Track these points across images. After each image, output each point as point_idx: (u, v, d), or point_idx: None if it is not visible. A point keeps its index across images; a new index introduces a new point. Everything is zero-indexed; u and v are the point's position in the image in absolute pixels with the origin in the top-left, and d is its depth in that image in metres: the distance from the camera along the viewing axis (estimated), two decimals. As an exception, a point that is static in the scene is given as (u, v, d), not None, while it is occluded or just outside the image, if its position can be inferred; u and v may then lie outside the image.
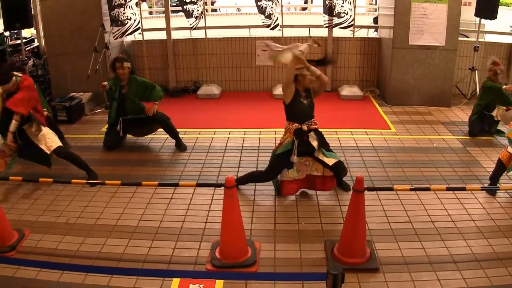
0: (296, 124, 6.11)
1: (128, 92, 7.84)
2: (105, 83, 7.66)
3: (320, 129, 6.29)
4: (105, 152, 8.03)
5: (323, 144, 6.28)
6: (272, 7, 10.55)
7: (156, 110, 7.92)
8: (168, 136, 8.22)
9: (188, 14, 10.68)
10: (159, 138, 8.39)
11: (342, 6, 10.46)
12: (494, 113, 8.25)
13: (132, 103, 7.89)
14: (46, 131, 6.78)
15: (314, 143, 6.17)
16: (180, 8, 11.00)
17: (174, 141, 8.17)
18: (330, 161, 6.14)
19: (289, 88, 6.04)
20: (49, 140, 6.73)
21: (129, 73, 7.86)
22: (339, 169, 6.29)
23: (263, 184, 6.68)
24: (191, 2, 10.62)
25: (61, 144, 6.91)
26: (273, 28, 10.76)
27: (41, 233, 5.60)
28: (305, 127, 6.10)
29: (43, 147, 6.67)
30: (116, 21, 10.12)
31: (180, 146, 8.11)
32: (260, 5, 10.52)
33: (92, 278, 4.74)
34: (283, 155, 6.16)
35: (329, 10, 10.61)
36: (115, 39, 10.32)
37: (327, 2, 10.58)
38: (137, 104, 7.94)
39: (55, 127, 8.01)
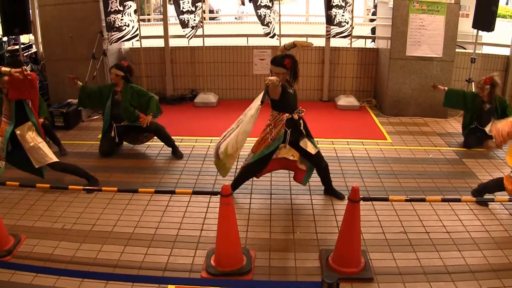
0: (287, 114, 6.17)
1: (122, 98, 7.89)
2: (75, 76, 7.91)
3: (316, 139, 6.32)
4: (102, 159, 8.02)
5: (308, 132, 6.36)
6: (270, 16, 10.59)
7: (149, 121, 7.94)
8: (163, 144, 8.23)
9: (184, 24, 10.65)
10: (155, 145, 8.40)
11: (342, 15, 10.51)
12: (487, 128, 8.24)
13: (125, 110, 7.91)
14: (41, 144, 6.59)
15: (302, 130, 6.30)
16: (175, 18, 11.00)
17: (170, 148, 8.19)
18: (313, 150, 6.25)
19: (276, 89, 6.08)
20: (41, 153, 6.56)
21: (124, 80, 7.92)
22: (319, 160, 6.39)
23: (259, 193, 6.72)
24: (188, 12, 10.63)
25: (57, 160, 6.73)
26: (272, 36, 10.79)
27: (37, 238, 5.60)
28: (296, 116, 6.18)
29: (32, 159, 6.56)
30: (112, 27, 10.13)
31: (176, 154, 8.13)
32: (259, 14, 10.55)
33: (88, 284, 4.74)
34: (274, 149, 6.29)
35: (330, 19, 10.66)
36: (110, 44, 10.33)
37: (328, 12, 10.62)
38: (130, 112, 7.96)
39: (52, 134, 8.02)
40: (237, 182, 6.64)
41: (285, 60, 5.98)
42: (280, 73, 6.02)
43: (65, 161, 7.23)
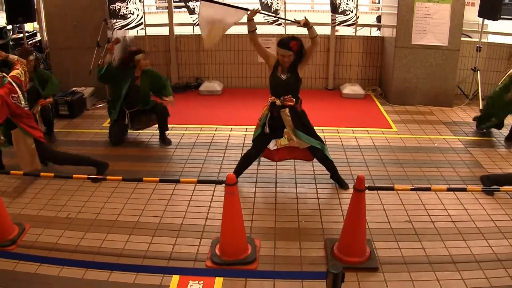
0: (273, 98, 6.19)
1: (142, 84, 7.84)
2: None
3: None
4: (107, 147, 8.02)
5: (300, 125, 6.28)
6: (277, 3, 10.54)
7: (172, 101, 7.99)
8: (168, 132, 8.25)
9: (191, 11, 10.68)
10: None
11: (347, 4, 10.45)
12: None
13: (146, 95, 7.93)
14: (30, 150, 6.44)
15: (287, 120, 6.22)
16: (183, 4, 10.99)
17: (176, 138, 8.20)
18: (300, 144, 6.31)
19: (259, 53, 6.28)
20: (27, 160, 6.46)
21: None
22: (316, 155, 6.42)
23: (264, 182, 6.72)
24: (193, -1, 10.62)
25: (38, 168, 6.54)
26: (279, 24, 10.76)
27: (42, 228, 5.60)
28: (278, 102, 6.16)
29: (21, 162, 6.52)
30: (116, 15, 10.12)
31: (164, 141, 8.17)
32: (263, 1, 10.50)
33: (92, 273, 4.74)
34: (262, 130, 6.33)
35: (335, 7, 10.61)
36: (113, 31, 10.31)
37: (333, 1, 10.57)
38: (148, 96, 7.98)
39: (48, 118, 7.96)
40: (238, 168, 6.63)
41: (291, 42, 5.95)
42: (286, 55, 5.98)
43: (68, 149, 7.25)
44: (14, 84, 6.17)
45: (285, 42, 5.99)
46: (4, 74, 6.23)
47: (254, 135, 6.45)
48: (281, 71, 6.15)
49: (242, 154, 6.79)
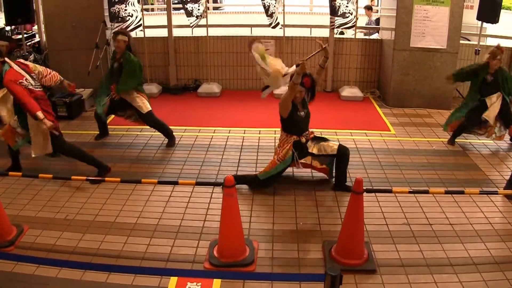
0: (295, 137, 6.24)
1: (121, 66, 7.74)
2: None
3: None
4: (105, 149, 8.02)
5: (320, 141, 6.43)
6: (275, 6, 10.55)
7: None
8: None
9: (189, 13, 10.67)
10: (158, 135, 8.38)
11: (347, 6, 10.47)
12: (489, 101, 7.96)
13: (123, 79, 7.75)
14: (44, 133, 6.51)
15: (314, 150, 6.33)
16: (181, 6, 11.00)
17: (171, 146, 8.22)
18: (334, 145, 6.40)
19: (287, 106, 6.12)
20: (40, 143, 6.55)
21: (126, 48, 7.69)
22: (345, 151, 6.44)
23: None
24: (192, 1, 10.60)
25: (50, 152, 6.69)
26: (274, 27, 10.76)
27: (40, 229, 5.61)
28: (303, 140, 6.25)
29: (34, 144, 6.57)
30: (116, 18, 10.14)
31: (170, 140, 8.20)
32: (264, 4, 10.52)
33: (90, 275, 4.75)
34: (282, 170, 6.38)
35: (334, 10, 10.62)
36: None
37: (333, 3, 10.58)
38: (127, 78, 7.77)
39: None
40: (241, 180, 6.57)
41: (304, 78, 5.99)
42: (298, 91, 6.04)
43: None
44: (17, 68, 6.21)
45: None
46: (6, 59, 6.26)
47: (271, 173, 6.36)
48: (300, 109, 6.25)
49: (251, 175, 6.70)
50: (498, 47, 7.72)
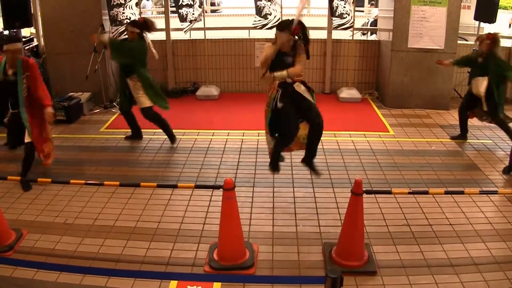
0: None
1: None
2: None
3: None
4: (104, 152, 8.02)
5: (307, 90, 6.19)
6: (270, 7, 10.54)
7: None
8: (166, 137, 8.26)
9: (182, 18, 10.62)
10: (157, 138, 8.38)
11: (344, 7, 10.47)
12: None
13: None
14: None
15: (301, 89, 6.09)
16: (176, 10, 11.00)
17: (174, 143, 8.26)
18: (313, 104, 6.10)
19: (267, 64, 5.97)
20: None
21: (138, 36, 7.87)
22: (318, 121, 6.04)
23: (261, 186, 6.75)
24: (187, 5, 10.59)
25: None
26: (270, 28, 10.76)
27: (39, 233, 5.59)
28: (289, 80, 5.99)
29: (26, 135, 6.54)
30: (115, 21, 10.13)
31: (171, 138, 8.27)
32: (258, 5, 10.52)
33: (90, 279, 4.73)
34: (276, 110, 6.08)
35: (332, 11, 10.61)
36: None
37: (331, 4, 10.59)
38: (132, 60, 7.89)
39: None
40: (275, 155, 6.51)
41: (293, 27, 5.78)
42: (285, 40, 5.86)
43: (65, 155, 7.26)
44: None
45: (284, 25, 5.91)
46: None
47: (267, 120, 6.22)
48: (287, 56, 5.98)
49: (275, 144, 6.50)
50: (486, 34, 7.88)
